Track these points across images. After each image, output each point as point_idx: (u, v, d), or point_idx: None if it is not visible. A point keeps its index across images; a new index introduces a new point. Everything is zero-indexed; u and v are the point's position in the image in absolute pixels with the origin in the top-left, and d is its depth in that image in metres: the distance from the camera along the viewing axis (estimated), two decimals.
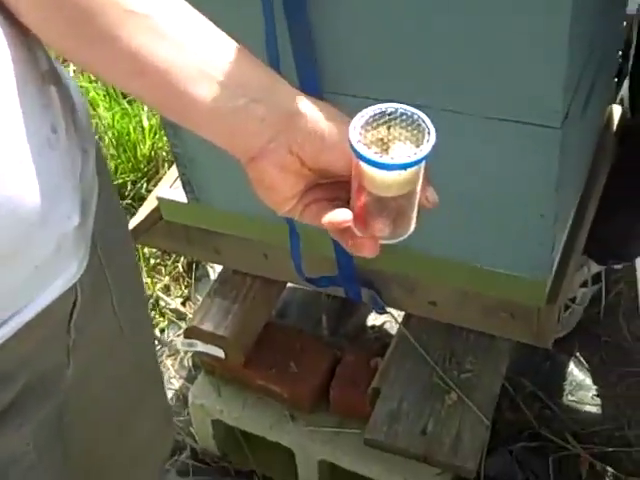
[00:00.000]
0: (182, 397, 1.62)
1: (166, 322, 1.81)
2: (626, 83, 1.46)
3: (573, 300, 1.62)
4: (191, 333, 1.41)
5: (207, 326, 1.38)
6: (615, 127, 1.46)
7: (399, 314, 1.46)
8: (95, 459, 0.91)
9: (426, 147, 0.58)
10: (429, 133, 0.59)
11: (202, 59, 0.60)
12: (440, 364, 1.25)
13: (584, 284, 1.63)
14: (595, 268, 1.63)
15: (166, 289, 1.89)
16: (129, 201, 2.02)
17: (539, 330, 1.21)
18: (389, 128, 0.59)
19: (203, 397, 1.43)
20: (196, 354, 1.49)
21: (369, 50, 0.98)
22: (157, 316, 1.83)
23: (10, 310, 0.65)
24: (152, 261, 1.92)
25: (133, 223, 1.50)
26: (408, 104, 0.60)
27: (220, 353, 1.40)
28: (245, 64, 0.62)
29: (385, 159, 0.58)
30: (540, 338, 1.21)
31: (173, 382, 1.68)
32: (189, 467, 1.50)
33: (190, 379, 1.65)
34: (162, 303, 1.85)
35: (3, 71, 0.58)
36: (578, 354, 1.57)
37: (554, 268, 1.17)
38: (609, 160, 1.43)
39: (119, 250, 0.83)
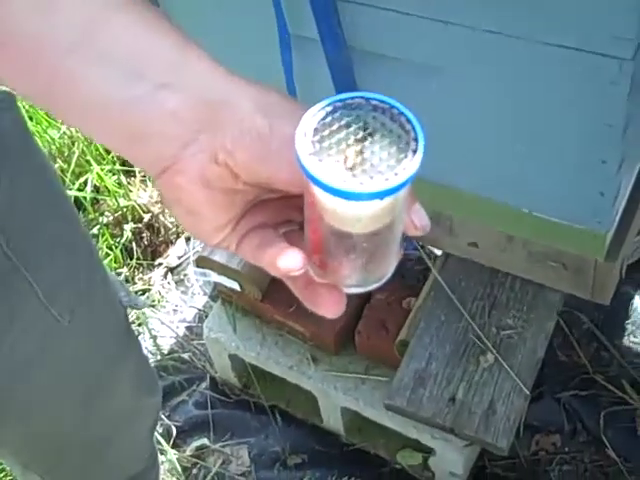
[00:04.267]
0: (205, 316, 1.49)
1: None
2: None
3: None
4: (203, 262, 1.26)
5: (219, 257, 1.24)
6: None
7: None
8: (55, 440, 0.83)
9: (413, 162, 0.39)
10: (416, 139, 0.39)
11: (80, 25, 0.42)
12: (477, 318, 1.08)
13: None
14: None
15: None
16: None
17: (596, 284, 1.03)
18: (358, 131, 0.40)
19: (218, 331, 1.30)
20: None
21: None
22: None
23: None
24: None
25: None
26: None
27: (235, 285, 1.26)
28: (147, 32, 0.43)
29: (352, 184, 0.38)
30: (597, 294, 1.04)
31: (196, 299, 1.56)
32: (207, 399, 1.39)
33: (214, 297, 1.52)
34: None
35: None
36: None
37: (617, 219, 0.97)
38: None
39: (42, 232, 0.67)
